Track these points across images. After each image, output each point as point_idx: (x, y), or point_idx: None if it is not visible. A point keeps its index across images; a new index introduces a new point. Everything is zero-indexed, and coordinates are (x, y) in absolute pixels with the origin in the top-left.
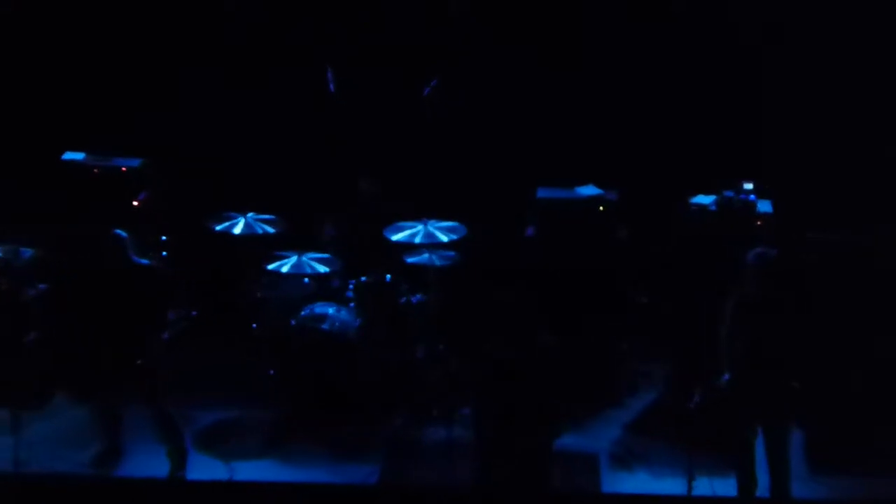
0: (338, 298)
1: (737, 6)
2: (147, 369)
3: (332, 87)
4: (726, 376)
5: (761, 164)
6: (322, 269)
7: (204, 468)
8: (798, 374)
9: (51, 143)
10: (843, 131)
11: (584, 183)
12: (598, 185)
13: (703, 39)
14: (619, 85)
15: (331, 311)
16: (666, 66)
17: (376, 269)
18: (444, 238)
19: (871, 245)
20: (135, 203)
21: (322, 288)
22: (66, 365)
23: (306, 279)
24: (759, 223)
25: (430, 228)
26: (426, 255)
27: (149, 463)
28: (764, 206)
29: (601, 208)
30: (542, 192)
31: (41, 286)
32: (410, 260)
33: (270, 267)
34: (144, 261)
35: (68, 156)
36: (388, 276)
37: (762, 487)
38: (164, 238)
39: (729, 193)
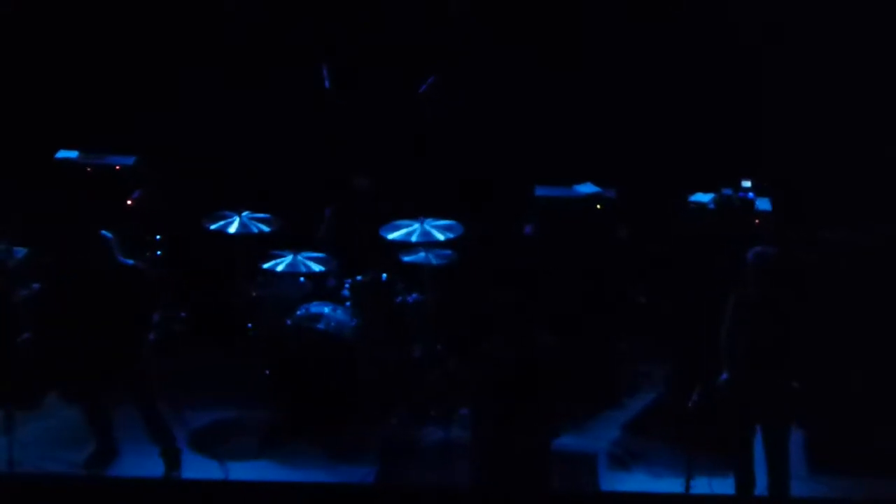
0: (334, 298)
1: (736, 6)
2: (135, 370)
3: (327, 83)
4: (725, 376)
5: (760, 163)
6: (317, 267)
7: (200, 468)
8: (797, 373)
9: (48, 143)
10: (843, 130)
11: (582, 181)
12: (597, 183)
13: (703, 38)
14: (618, 83)
15: (326, 310)
16: (664, 65)
17: (372, 268)
18: (441, 237)
19: (871, 244)
20: (128, 202)
21: (318, 287)
22: (57, 365)
23: (302, 278)
24: (757, 221)
25: (427, 227)
26: (422, 254)
27: (143, 463)
28: (762, 205)
29: (599, 206)
30: (540, 191)
31: (34, 286)
32: (407, 259)
33: (266, 266)
34: (129, 261)
35: (62, 154)
36: (385, 275)
37: (761, 487)
38: (157, 237)
39: (727, 191)
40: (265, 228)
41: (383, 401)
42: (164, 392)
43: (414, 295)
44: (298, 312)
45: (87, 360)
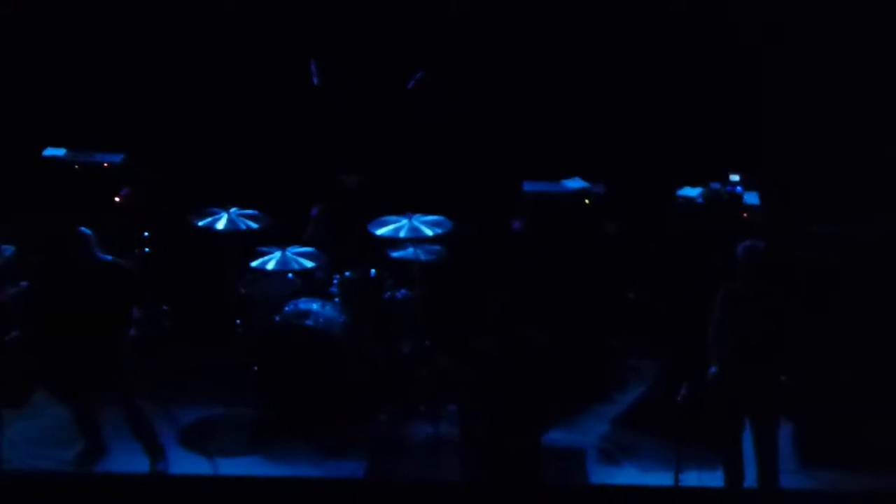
0: (322, 294)
1: (735, 5)
2: (116, 366)
3: (315, 79)
4: (714, 370)
5: (751, 158)
6: (307, 263)
7: (189, 465)
8: (786, 367)
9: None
10: (837, 126)
11: (570, 176)
12: (585, 178)
13: (689, 33)
14: (605, 78)
15: (315, 306)
16: (650, 60)
17: (361, 263)
18: (429, 232)
19: (861, 239)
20: (116, 199)
21: (307, 283)
22: (42, 363)
23: (290, 275)
24: (745, 215)
25: (415, 223)
26: (411, 250)
27: (132, 460)
28: (751, 198)
29: (587, 202)
30: (528, 186)
31: (22, 284)
32: (395, 254)
33: (255, 265)
34: (108, 257)
35: (49, 151)
36: (373, 271)
37: (749, 480)
38: (146, 234)
39: (715, 185)
40: (253, 225)
41: (372, 397)
42: (153, 389)
43: (402, 291)
44: (287, 309)
45: (70, 357)
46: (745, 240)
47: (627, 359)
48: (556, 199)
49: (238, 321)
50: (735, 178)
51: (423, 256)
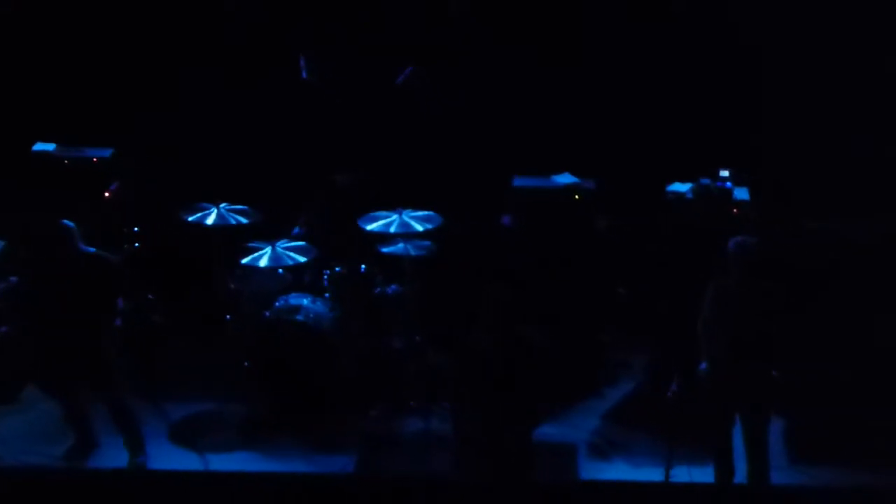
0: (313, 289)
1: (733, 5)
2: (99, 357)
3: (304, 73)
4: (704, 365)
5: (741, 153)
6: (297, 258)
7: (179, 460)
8: (777, 363)
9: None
10: (830, 123)
11: (560, 171)
12: (575, 173)
13: (688, 31)
14: (597, 76)
15: (305, 302)
16: (646, 58)
17: (351, 258)
18: (420, 227)
19: (855, 235)
20: (106, 194)
21: (297, 279)
22: (33, 358)
23: (280, 270)
24: (735, 211)
25: (405, 218)
26: (401, 245)
27: (123, 455)
28: (741, 194)
29: (577, 197)
30: (519, 181)
31: (12, 279)
32: (385, 250)
33: (245, 261)
34: (92, 249)
35: (39, 146)
36: (363, 266)
37: (740, 476)
38: (135, 229)
39: (705, 181)
40: (243, 220)
41: (363, 392)
42: (144, 385)
43: (393, 286)
44: (277, 304)
45: (57, 351)
46: (736, 235)
47: (618, 354)
48: (546, 195)
49: (228, 317)
50: (725, 173)
51: (413, 251)
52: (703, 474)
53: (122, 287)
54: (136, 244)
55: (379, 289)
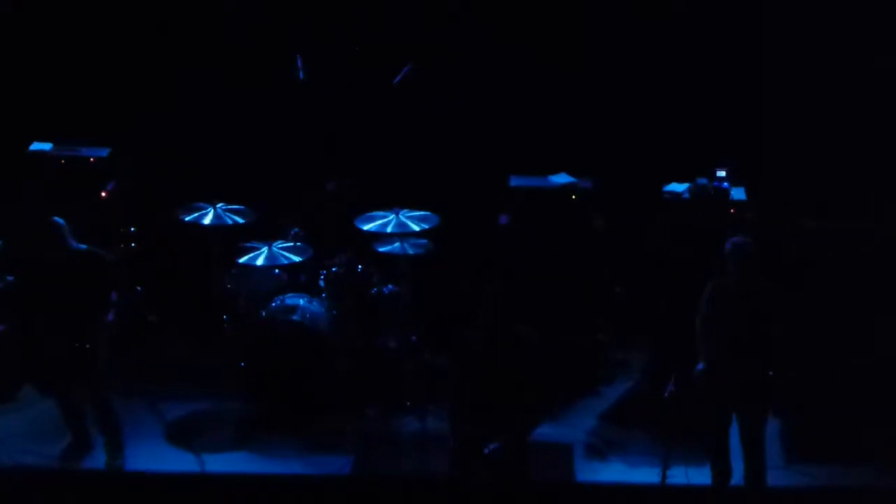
0: (309, 289)
1: (733, 5)
2: (91, 353)
3: (301, 74)
4: (701, 365)
5: (739, 153)
6: (294, 258)
7: (175, 461)
8: (774, 362)
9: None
10: (829, 123)
11: (556, 171)
12: (571, 173)
13: (685, 31)
14: (594, 76)
15: (302, 302)
16: (643, 58)
17: (348, 258)
18: (416, 227)
19: (852, 234)
20: (103, 194)
21: (293, 279)
22: (29, 357)
23: (277, 270)
24: (732, 211)
25: (402, 218)
26: (398, 244)
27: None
28: (737, 194)
29: (574, 197)
30: (515, 181)
31: (9, 278)
32: (382, 249)
33: (242, 260)
34: (83, 246)
35: (35, 146)
36: (360, 266)
37: (737, 476)
38: (132, 229)
39: (702, 181)
40: (240, 220)
41: (359, 392)
42: (140, 384)
43: (389, 286)
44: (273, 304)
45: (51, 348)
46: (734, 235)
47: (615, 354)
48: (543, 194)
49: (225, 317)
50: (722, 173)
51: (410, 251)
52: (700, 474)
53: (114, 283)
54: (133, 244)
55: (375, 289)
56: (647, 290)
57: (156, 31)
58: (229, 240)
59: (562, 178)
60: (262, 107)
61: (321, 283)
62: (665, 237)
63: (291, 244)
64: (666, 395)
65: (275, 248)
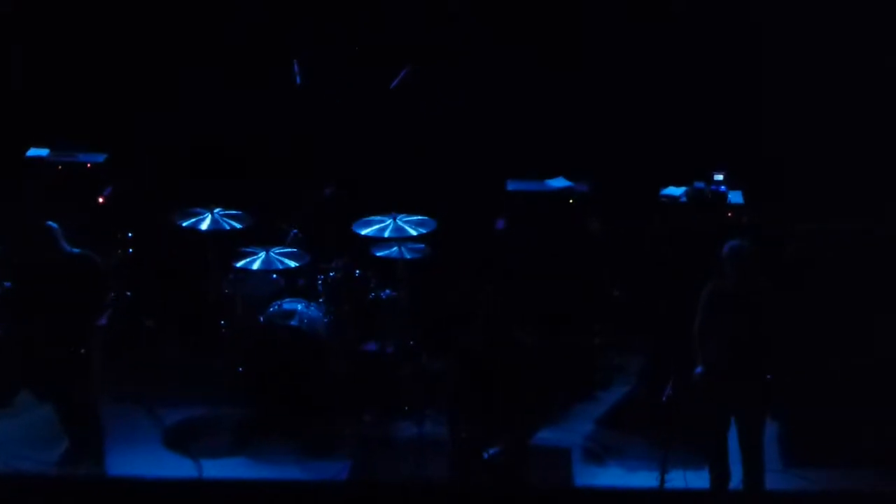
0: (307, 294)
1: (732, 6)
2: (84, 356)
3: (298, 79)
4: (700, 369)
5: (736, 156)
6: (291, 263)
7: (173, 466)
8: (772, 365)
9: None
10: (828, 125)
11: (553, 175)
12: (569, 177)
13: (693, 36)
14: (591, 79)
15: (299, 307)
16: (642, 62)
17: (344, 263)
18: (414, 232)
19: (849, 236)
20: (100, 199)
21: (291, 283)
22: (22, 360)
23: (274, 275)
24: (730, 214)
25: (399, 222)
26: (395, 249)
27: (116, 462)
28: (735, 198)
29: (571, 201)
30: (512, 185)
31: (6, 284)
32: (380, 253)
33: (239, 265)
34: (76, 250)
35: (32, 152)
36: (357, 271)
37: (736, 480)
38: (129, 234)
39: (699, 185)
40: (237, 225)
41: (357, 396)
42: (137, 390)
43: (387, 290)
44: (271, 309)
45: (46, 353)
46: (731, 239)
47: (612, 358)
48: (540, 199)
49: (222, 322)
50: (719, 177)
51: (407, 255)
52: (699, 478)
53: (107, 286)
54: (130, 249)
55: (373, 293)
56: (644, 294)
57: (156, 31)
58: (227, 245)
59: (559, 182)
60: (260, 108)
61: (319, 287)
62: (663, 241)
63: (289, 249)
64: (664, 398)
65: (272, 253)
